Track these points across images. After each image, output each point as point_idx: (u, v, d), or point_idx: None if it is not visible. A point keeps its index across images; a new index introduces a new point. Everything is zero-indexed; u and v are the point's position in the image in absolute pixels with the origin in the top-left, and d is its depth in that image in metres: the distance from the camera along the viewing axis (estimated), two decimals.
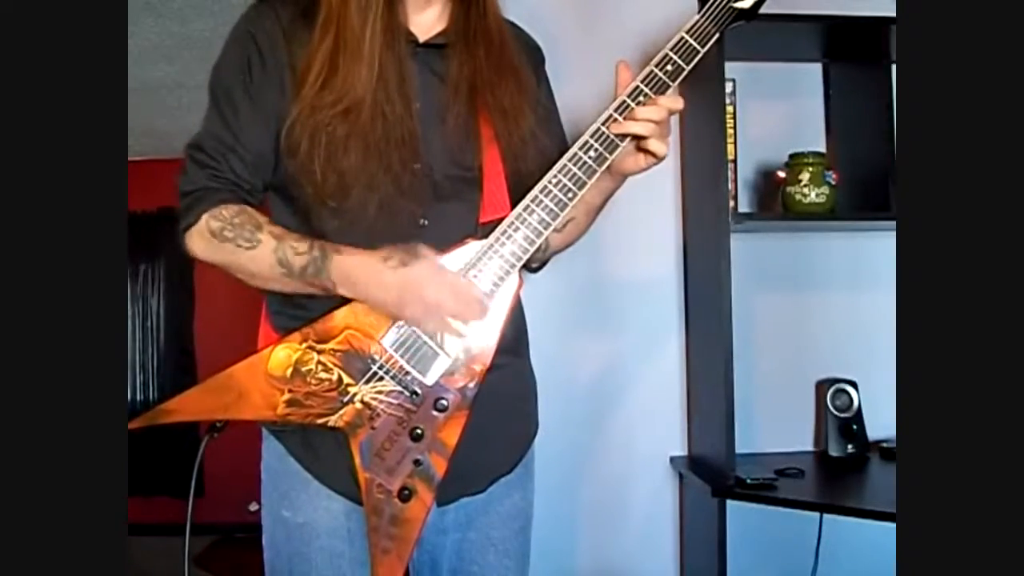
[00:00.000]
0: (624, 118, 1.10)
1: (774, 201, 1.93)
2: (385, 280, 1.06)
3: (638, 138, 1.11)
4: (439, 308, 1.06)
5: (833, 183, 1.80)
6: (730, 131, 1.83)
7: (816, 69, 2.04)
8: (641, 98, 1.10)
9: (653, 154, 1.12)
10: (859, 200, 1.87)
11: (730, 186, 1.80)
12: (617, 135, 1.10)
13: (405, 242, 1.09)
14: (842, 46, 1.91)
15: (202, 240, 1.11)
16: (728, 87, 1.83)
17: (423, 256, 1.06)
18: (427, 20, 1.16)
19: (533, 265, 1.30)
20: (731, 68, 1.79)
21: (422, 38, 1.15)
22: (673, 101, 1.10)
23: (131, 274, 5.03)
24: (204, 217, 1.10)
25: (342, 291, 1.07)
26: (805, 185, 1.78)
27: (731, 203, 1.79)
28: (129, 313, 5.04)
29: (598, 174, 1.10)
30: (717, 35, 1.12)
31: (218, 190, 1.11)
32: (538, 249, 1.13)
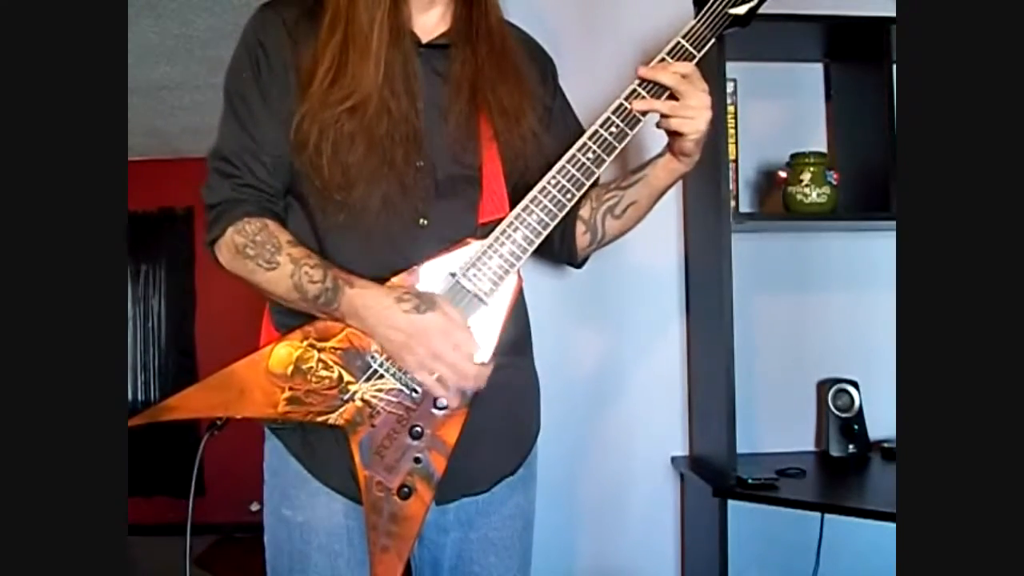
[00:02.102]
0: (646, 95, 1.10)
1: (775, 201, 1.93)
2: (396, 322, 1.06)
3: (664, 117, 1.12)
4: (438, 359, 1.06)
5: (834, 183, 1.80)
6: (731, 131, 1.83)
7: (817, 69, 2.04)
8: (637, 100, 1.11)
9: (679, 132, 1.12)
10: (860, 200, 1.86)
11: (731, 186, 1.80)
12: (619, 132, 1.10)
13: (406, 242, 1.10)
14: (843, 46, 1.91)
15: (229, 253, 1.12)
16: (729, 87, 1.82)
17: (438, 306, 1.07)
18: (430, 21, 1.17)
19: (576, 260, 1.31)
20: (732, 68, 1.79)
21: (425, 39, 1.16)
22: (683, 66, 1.10)
23: (132, 274, 5.04)
24: (229, 231, 1.11)
25: (350, 323, 1.08)
26: (806, 185, 1.78)
27: (732, 203, 1.79)
28: (130, 313, 5.05)
29: (597, 175, 1.11)
30: (713, 40, 1.13)
31: (242, 201, 1.11)
32: (593, 241, 1.19)
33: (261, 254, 1.09)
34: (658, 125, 1.14)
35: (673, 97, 1.11)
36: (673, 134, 1.14)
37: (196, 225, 4.87)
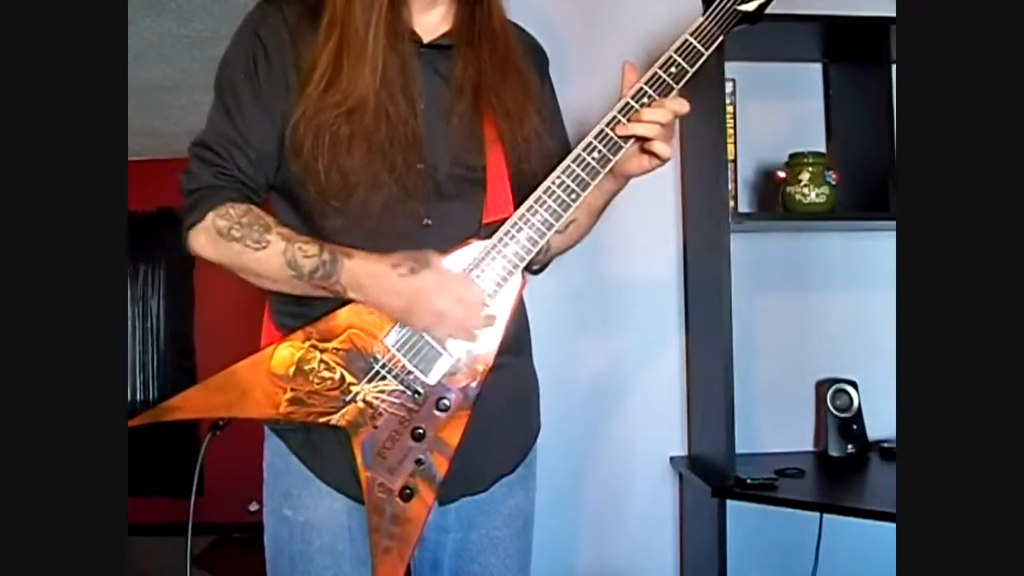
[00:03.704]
0: (628, 120, 1.10)
1: (774, 201, 1.93)
2: (395, 287, 1.06)
3: (642, 140, 1.11)
4: (446, 317, 1.07)
5: (833, 183, 1.80)
6: (730, 131, 1.83)
7: (816, 69, 2.04)
8: (645, 99, 1.10)
9: (657, 156, 1.12)
10: (859, 200, 1.87)
11: (730, 186, 1.80)
12: (621, 137, 1.10)
13: (409, 242, 1.09)
14: (842, 46, 1.91)
15: (208, 238, 1.10)
16: (728, 87, 1.83)
17: (433, 263, 1.07)
18: (432, 21, 1.16)
19: (534, 267, 1.30)
20: (731, 68, 1.79)
21: (426, 39, 1.15)
22: (679, 104, 1.10)
23: (131, 275, 5.04)
24: (210, 215, 1.09)
25: (352, 295, 1.08)
26: (805, 185, 1.78)
27: (731, 203, 1.79)
28: (129, 314, 5.05)
29: (601, 175, 1.10)
30: (721, 38, 1.12)
31: (223, 188, 1.10)
32: (540, 250, 1.13)
33: (249, 235, 1.08)
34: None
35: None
36: (647, 153, 1.13)
37: None
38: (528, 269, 1.26)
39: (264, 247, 1.08)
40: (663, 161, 1.13)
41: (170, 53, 3.29)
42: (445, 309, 1.06)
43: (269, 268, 1.09)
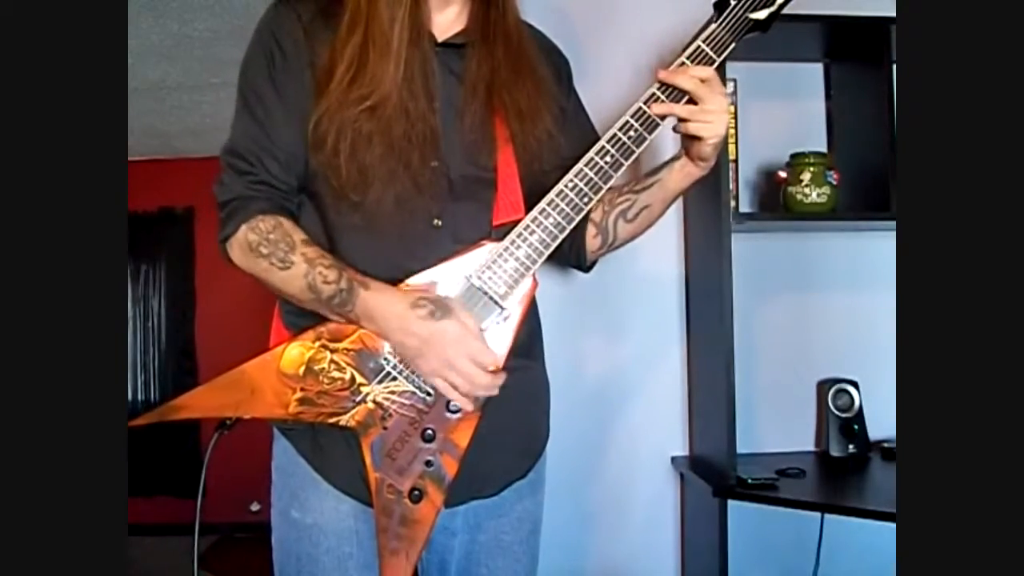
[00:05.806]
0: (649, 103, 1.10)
1: (775, 201, 1.93)
2: (412, 328, 1.05)
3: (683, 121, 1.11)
4: (454, 370, 1.06)
5: (834, 183, 1.80)
6: (731, 131, 1.83)
7: (817, 69, 2.04)
8: (657, 104, 1.10)
9: (698, 136, 1.11)
10: (860, 200, 1.87)
11: (731, 186, 1.80)
12: (632, 140, 1.10)
13: (421, 243, 1.09)
14: (843, 46, 1.91)
15: (241, 251, 1.11)
16: (729, 87, 1.82)
17: (454, 312, 1.06)
18: (446, 19, 1.16)
19: (585, 264, 1.30)
20: (732, 68, 1.79)
21: (441, 37, 1.15)
22: (703, 71, 1.10)
23: (132, 275, 5.03)
24: (243, 228, 1.10)
25: (364, 325, 1.08)
26: (806, 185, 1.78)
27: (732, 203, 1.79)
28: (130, 313, 5.05)
29: (613, 179, 1.11)
30: (733, 45, 1.12)
31: (255, 198, 1.10)
32: (604, 244, 1.17)
33: (275, 252, 1.08)
34: (675, 129, 1.13)
35: (692, 101, 1.10)
36: (691, 138, 1.13)
37: (196, 225, 4.87)
38: (580, 268, 1.26)
39: (288, 267, 1.08)
40: (710, 136, 1.10)
41: (171, 53, 3.29)
42: (456, 362, 1.05)
43: (292, 289, 1.09)
